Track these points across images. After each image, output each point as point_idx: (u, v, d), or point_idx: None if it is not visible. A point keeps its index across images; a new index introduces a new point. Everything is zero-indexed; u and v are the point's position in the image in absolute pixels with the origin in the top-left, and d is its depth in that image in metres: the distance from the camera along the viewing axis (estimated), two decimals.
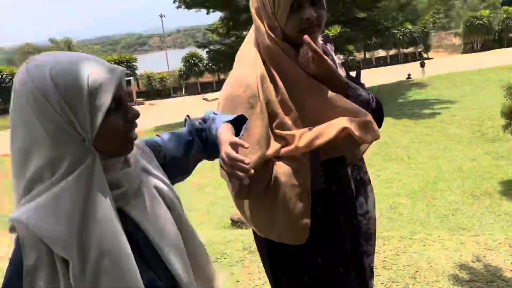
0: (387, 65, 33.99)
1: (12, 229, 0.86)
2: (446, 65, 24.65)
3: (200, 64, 29.79)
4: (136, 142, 1.00)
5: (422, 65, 22.96)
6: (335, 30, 17.67)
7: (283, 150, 1.28)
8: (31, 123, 0.84)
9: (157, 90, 29.73)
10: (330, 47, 1.49)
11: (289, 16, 1.27)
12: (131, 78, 27.64)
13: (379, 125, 1.38)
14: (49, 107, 0.83)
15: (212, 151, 1.14)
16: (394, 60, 34.90)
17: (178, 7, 15.70)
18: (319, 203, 1.31)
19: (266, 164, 1.28)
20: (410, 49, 35.60)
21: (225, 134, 1.06)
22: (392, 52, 35.21)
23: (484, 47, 35.60)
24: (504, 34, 35.92)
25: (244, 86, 1.30)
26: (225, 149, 1.01)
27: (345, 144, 1.30)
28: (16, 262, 0.83)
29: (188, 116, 1.22)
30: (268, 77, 1.30)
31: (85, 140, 0.87)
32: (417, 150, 10.26)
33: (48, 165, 0.85)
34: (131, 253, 0.88)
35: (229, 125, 1.11)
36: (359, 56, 34.44)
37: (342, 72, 1.42)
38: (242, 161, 0.98)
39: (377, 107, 1.40)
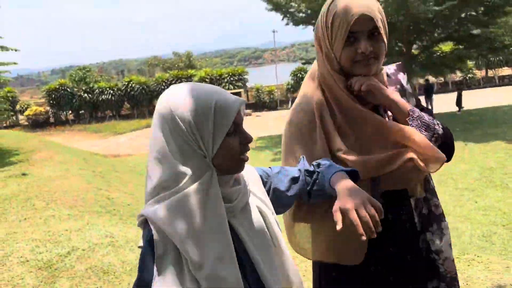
0: None
1: (140, 224, 1.04)
2: None
3: None
4: (248, 166, 1.17)
5: None
6: (447, 46, 16.80)
7: None
8: (166, 139, 1.01)
9: (264, 102, 30.94)
10: (402, 76, 1.50)
11: (344, 48, 1.30)
12: (241, 90, 29.27)
13: (448, 154, 1.36)
14: (181, 127, 0.99)
15: (316, 193, 1.23)
16: None
17: (287, 24, 16.42)
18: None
19: None
20: None
21: (345, 181, 1.12)
22: None
23: None
24: None
25: (303, 113, 1.40)
26: (367, 196, 1.06)
27: (408, 176, 1.32)
28: (148, 252, 0.99)
29: (303, 157, 1.32)
30: (325, 104, 1.37)
31: (206, 157, 1.02)
32: None
33: (174, 174, 0.99)
34: (237, 264, 1.00)
35: (345, 174, 1.16)
36: (480, 74, 31.78)
37: (412, 101, 1.46)
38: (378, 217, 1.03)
39: (444, 135, 1.38)
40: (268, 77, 41.94)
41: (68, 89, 30.30)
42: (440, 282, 1.38)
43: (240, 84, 30.02)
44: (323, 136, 1.34)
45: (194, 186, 0.98)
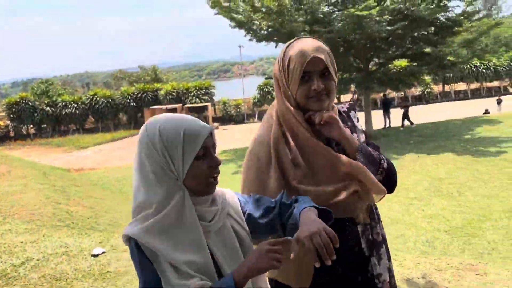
0: (468, 99, 32.46)
1: (126, 241, 1.14)
2: None
3: (273, 92, 30.83)
4: (228, 192, 1.30)
5: (499, 102, 21.81)
6: (401, 63, 17.76)
7: None
8: (144, 162, 1.14)
9: (231, 115, 31.27)
10: (353, 114, 1.65)
11: (299, 86, 1.45)
12: (208, 103, 29.50)
13: (390, 187, 1.52)
14: (155, 152, 1.12)
15: (290, 226, 1.28)
16: (475, 94, 33.23)
17: (250, 40, 16.87)
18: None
19: None
20: (495, 83, 33.73)
21: (308, 213, 1.18)
22: (474, 85, 33.64)
23: None
24: None
25: (261, 146, 1.52)
26: (323, 226, 1.11)
27: (353, 205, 1.44)
28: (141, 255, 1.10)
29: (283, 191, 1.38)
30: (282, 138, 1.49)
31: (178, 179, 1.13)
32: (470, 187, 10.07)
33: (151, 196, 1.11)
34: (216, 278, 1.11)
35: (315, 210, 1.21)
36: (438, 89, 33.35)
37: (362, 137, 1.60)
38: (333, 246, 1.09)
39: (389, 169, 1.52)
40: (236, 90, 42.26)
41: (30, 103, 29.61)
42: None
43: (206, 98, 30.24)
44: (278, 168, 1.46)
45: (170, 206, 1.10)
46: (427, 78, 28.18)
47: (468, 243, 7.32)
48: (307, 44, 1.45)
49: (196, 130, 1.13)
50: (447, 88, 33.66)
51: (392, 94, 29.39)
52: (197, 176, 1.13)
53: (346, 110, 1.63)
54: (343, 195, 1.41)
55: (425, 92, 32.19)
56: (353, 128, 1.58)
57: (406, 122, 19.18)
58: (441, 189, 10.12)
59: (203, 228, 1.13)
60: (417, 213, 8.85)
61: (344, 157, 1.44)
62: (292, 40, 1.51)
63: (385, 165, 1.50)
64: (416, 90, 32.08)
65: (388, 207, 9.21)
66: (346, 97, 30.94)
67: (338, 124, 1.46)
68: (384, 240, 1.57)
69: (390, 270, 1.55)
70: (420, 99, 32.58)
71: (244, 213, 1.30)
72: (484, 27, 15.19)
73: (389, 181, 1.50)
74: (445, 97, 33.33)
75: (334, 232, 1.27)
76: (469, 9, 16.03)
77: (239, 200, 1.33)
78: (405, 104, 18.09)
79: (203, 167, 1.13)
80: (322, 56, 1.43)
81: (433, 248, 7.23)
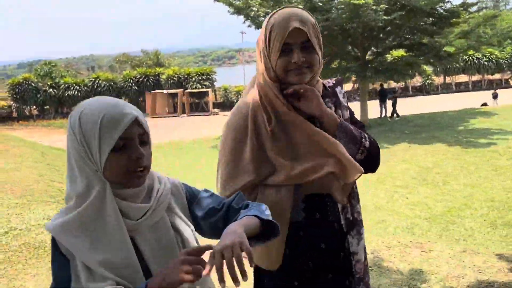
0: (469, 91, 32.45)
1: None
2: None
3: None
4: (174, 183, 1.19)
5: (495, 96, 21.88)
6: (399, 53, 17.84)
7: (274, 178, 1.39)
8: (68, 151, 1.07)
9: (232, 102, 31.42)
10: (339, 90, 1.58)
11: (279, 58, 1.39)
12: (209, 89, 29.65)
13: (372, 167, 1.50)
14: (75, 139, 1.03)
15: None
16: (477, 86, 33.20)
17: (249, 26, 16.94)
18: (300, 229, 1.41)
19: (252, 189, 1.41)
20: (497, 76, 33.65)
21: (237, 224, 1.04)
22: (475, 77, 33.57)
23: None
24: None
25: (240, 116, 1.47)
26: (240, 240, 0.96)
27: (330, 183, 1.42)
28: (56, 259, 1.04)
29: (238, 192, 1.26)
30: (261, 109, 1.43)
31: (98, 171, 1.03)
32: (456, 177, 10.26)
33: (73, 187, 1.04)
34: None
35: (255, 219, 1.09)
36: (438, 80, 33.31)
37: (346, 114, 1.55)
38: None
39: (371, 147, 1.49)
40: (239, 76, 42.34)
41: (33, 84, 29.92)
42: (349, 279, 1.49)
43: (207, 83, 30.37)
44: (255, 138, 1.41)
45: (90, 198, 1.01)
46: (428, 69, 28.24)
47: (446, 229, 7.54)
48: (291, 13, 1.39)
49: (116, 118, 1.01)
50: (448, 79, 33.62)
51: (393, 84, 29.46)
52: (114, 169, 1.02)
53: (332, 85, 1.58)
54: (319, 173, 1.38)
55: (426, 83, 32.17)
56: (338, 104, 1.53)
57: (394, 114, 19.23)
58: (427, 178, 10.32)
59: (131, 227, 1.04)
60: (401, 200, 9.06)
61: (323, 133, 1.40)
62: (278, 8, 1.46)
63: (367, 144, 1.47)
64: (417, 81, 32.09)
65: (373, 194, 9.43)
66: (347, 86, 30.97)
67: (317, 99, 1.41)
68: (362, 221, 1.54)
69: (365, 251, 1.54)
70: (421, 90, 32.58)
71: (188, 207, 1.22)
72: (480, 19, 15.23)
73: (371, 161, 1.48)
74: (446, 88, 33.31)
75: (305, 205, 1.29)
76: (469, 0, 16.04)
77: (187, 193, 1.23)
78: (393, 95, 18.16)
79: (122, 160, 1.02)
80: (305, 28, 1.37)
81: (412, 234, 7.46)
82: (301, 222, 1.41)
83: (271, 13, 1.45)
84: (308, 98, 1.40)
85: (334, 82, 1.59)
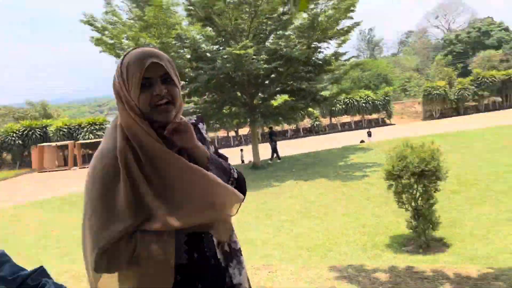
0: (352, 129, 35.86)
1: None
2: (399, 131, 26.39)
3: None
4: None
5: (369, 135, 24.73)
6: (282, 98, 19.34)
7: (151, 225, 1.31)
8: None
9: None
10: (201, 126, 1.62)
11: (141, 94, 1.36)
12: (101, 139, 28.60)
13: (242, 193, 1.50)
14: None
15: None
16: (358, 125, 36.87)
17: None
18: (179, 272, 1.35)
19: (130, 237, 1.31)
20: (374, 115, 37.76)
21: None
22: (357, 118, 37.29)
23: (444, 115, 38.00)
24: (460, 103, 38.50)
25: (106, 160, 1.37)
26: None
27: (210, 223, 1.41)
28: None
29: (40, 268, 1.20)
30: (130, 151, 1.36)
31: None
32: (335, 208, 11.22)
33: None
34: None
35: None
36: (325, 121, 36.34)
37: (212, 148, 1.59)
38: None
39: (239, 177, 1.54)
40: None
41: None
42: None
43: (101, 133, 29.39)
44: (128, 182, 1.33)
45: None
46: (316, 112, 30.73)
47: (324, 256, 8.18)
48: (145, 51, 1.41)
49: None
50: (334, 120, 36.85)
51: (285, 126, 31.41)
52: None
53: (194, 122, 1.60)
54: (200, 218, 1.36)
55: (315, 125, 34.89)
56: (203, 140, 1.56)
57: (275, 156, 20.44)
58: (310, 211, 11.14)
59: None
60: (286, 233, 9.64)
61: (197, 168, 1.38)
62: (129, 50, 1.46)
63: (235, 174, 1.51)
64: (307, 123, 34.64)
65: (260, 230, 9.90)
66: (243, 131, 32.22)
67: (190, 132, 1.42)
68: (240, 250, 1.54)
69: (248, 280, 1.54)
70: (311, 131, 35.21)
71: None
72: (348, 66, 17.32)
73: (240, 190, 1.49)
74: (332, 128, 36.46)
75: (188, 246, 1.31)
76: (341, 50, 18.16)
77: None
78: (274, 139, 19.44)
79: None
80: (162, 62, 1.39)
81: (295, 264, 7.97)
82: (183, 265, 1.36)
83: (124, 54, 1.45)
84: (182, 131, 1.40)
85: (196, 119, 1.63)
